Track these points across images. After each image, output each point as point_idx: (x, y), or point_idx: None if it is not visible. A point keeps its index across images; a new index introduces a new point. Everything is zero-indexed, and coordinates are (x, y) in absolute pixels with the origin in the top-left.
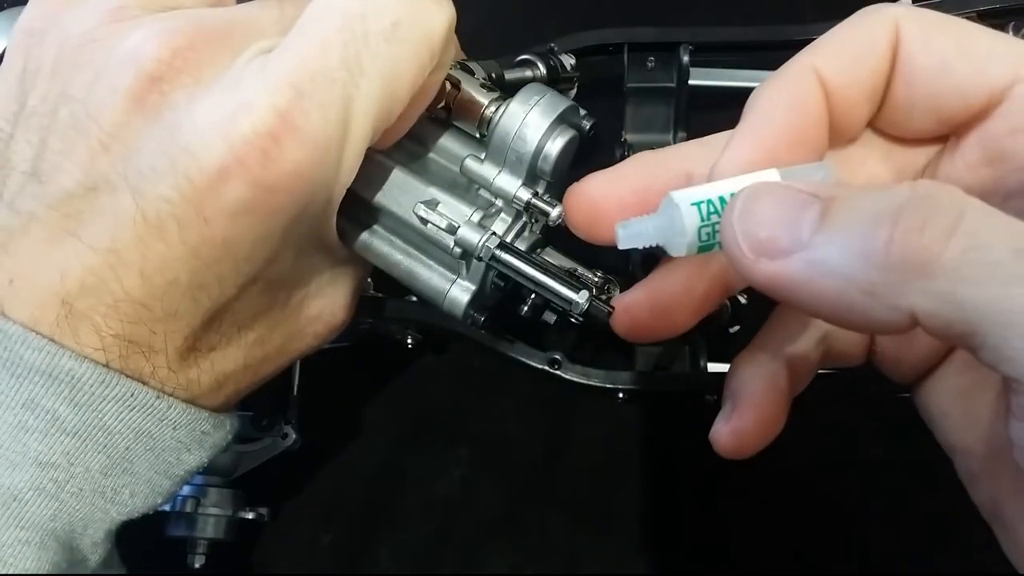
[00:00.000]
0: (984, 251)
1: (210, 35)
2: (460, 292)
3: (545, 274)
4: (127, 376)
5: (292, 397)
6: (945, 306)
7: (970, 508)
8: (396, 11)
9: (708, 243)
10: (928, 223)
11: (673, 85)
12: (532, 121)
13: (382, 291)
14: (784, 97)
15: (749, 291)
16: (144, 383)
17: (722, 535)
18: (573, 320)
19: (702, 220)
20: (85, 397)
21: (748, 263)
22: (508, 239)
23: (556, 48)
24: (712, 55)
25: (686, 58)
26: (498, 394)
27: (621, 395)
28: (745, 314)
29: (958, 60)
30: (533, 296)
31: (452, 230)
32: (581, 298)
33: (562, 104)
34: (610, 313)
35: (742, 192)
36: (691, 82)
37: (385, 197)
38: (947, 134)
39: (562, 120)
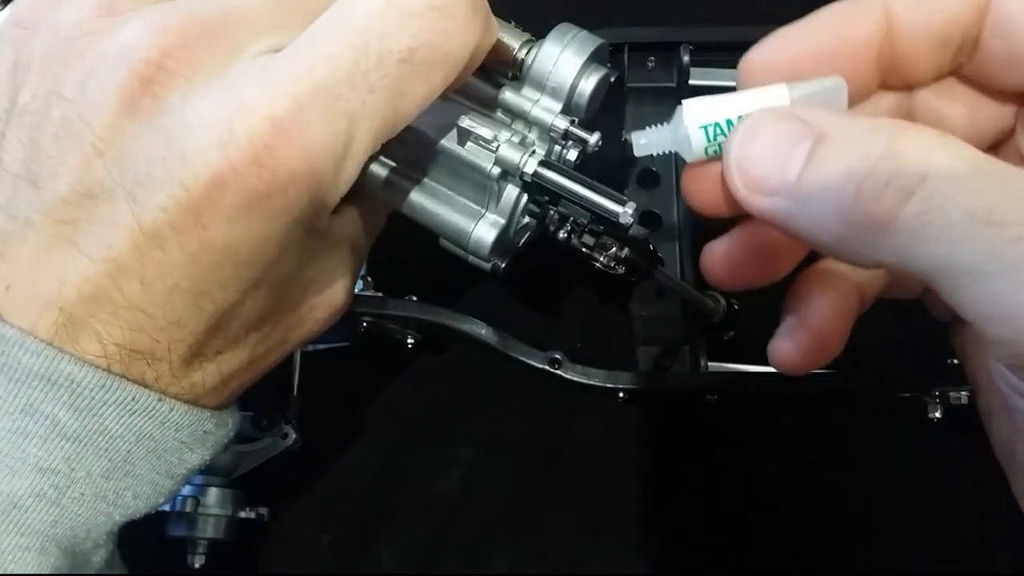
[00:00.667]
0: (938, 213)
1: (202, 30)
2: (486, 229)
3: (589, 188)
4: (128, 380)
5: (292, 397)
6: (903, 259)
7: (970, 508)
8: (416, 35)
9: (716, 155)
10: (890, 184)
11: (673, 85)
12: (567, 58)
13: (382, 290)
14: (836, 15)
15: (741, 295)
16: (146, 387)
17: (722, 535)
18: (599, 262)
19: (708, 141)
20: (85, 402)
21: (743, 196)
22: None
23: None
24: (712, 55)
25: (686, 58)
26: (498, 394)
27: (621, 395)
28: (740, 319)
29: None
30: (570, 222)
31: (495, 142)
32: (629, 209)
33: (595, 42)
34: (648, 235)
35: (741, 126)
36: (691, 82)
37: (418, 120)
38: None
39: (595, 58)
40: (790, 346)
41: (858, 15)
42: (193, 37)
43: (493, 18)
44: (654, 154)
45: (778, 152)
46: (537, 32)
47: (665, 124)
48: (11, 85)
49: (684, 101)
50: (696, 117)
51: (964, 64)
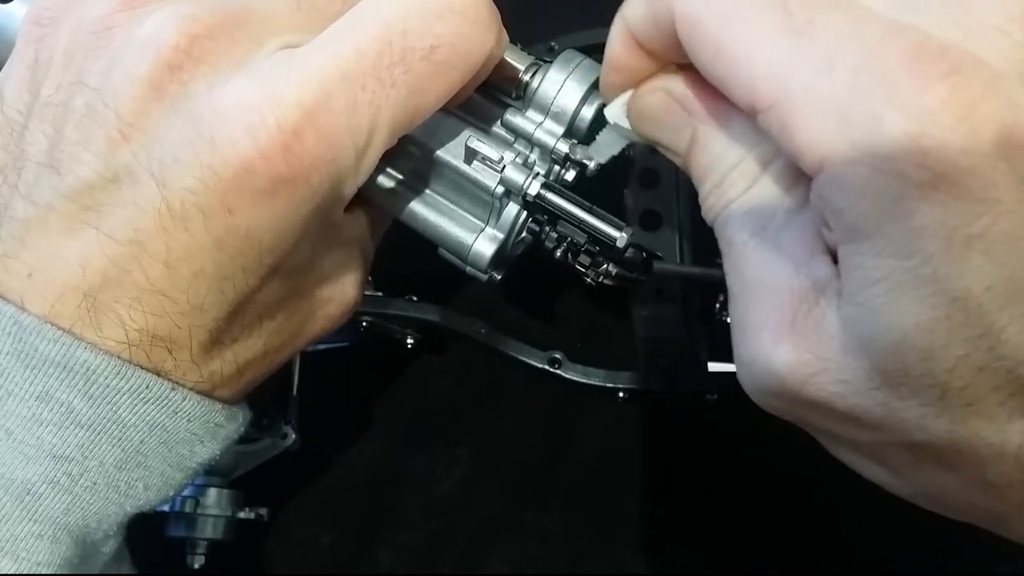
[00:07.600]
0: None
1: (227, 22)
2: (486, 243)
3: (589, 212)
4: (143, 368)
5: (292, 397)
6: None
7: None
8: (439, 34)
9: None
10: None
11: None
12: (571, 85)
13: (382, 290)
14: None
15: None
16: (165, 375)
17: (722, 535)
18: (588, 279)
19: None
20: (100, 390)
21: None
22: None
23: (556, 47)
24: None
25: None
26: (498, 394)
27: (622, 395)
28: None
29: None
30: (567, 241)
31: (501, 163)
32: (626, 234)
33: (597, 70)
34: (644, 259)
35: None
36: None
37: (426, 136)
38: None
39: (597, 85)
40: None
41: (613, 31)
42: (218, 28)
43: (504, 30)
44: (609, 155)
45: (670, 130)
46: (538, 30)
47: (605, 130)
48: (33, 80)
49: (605, 107)
50: (620, 115)
51: None
